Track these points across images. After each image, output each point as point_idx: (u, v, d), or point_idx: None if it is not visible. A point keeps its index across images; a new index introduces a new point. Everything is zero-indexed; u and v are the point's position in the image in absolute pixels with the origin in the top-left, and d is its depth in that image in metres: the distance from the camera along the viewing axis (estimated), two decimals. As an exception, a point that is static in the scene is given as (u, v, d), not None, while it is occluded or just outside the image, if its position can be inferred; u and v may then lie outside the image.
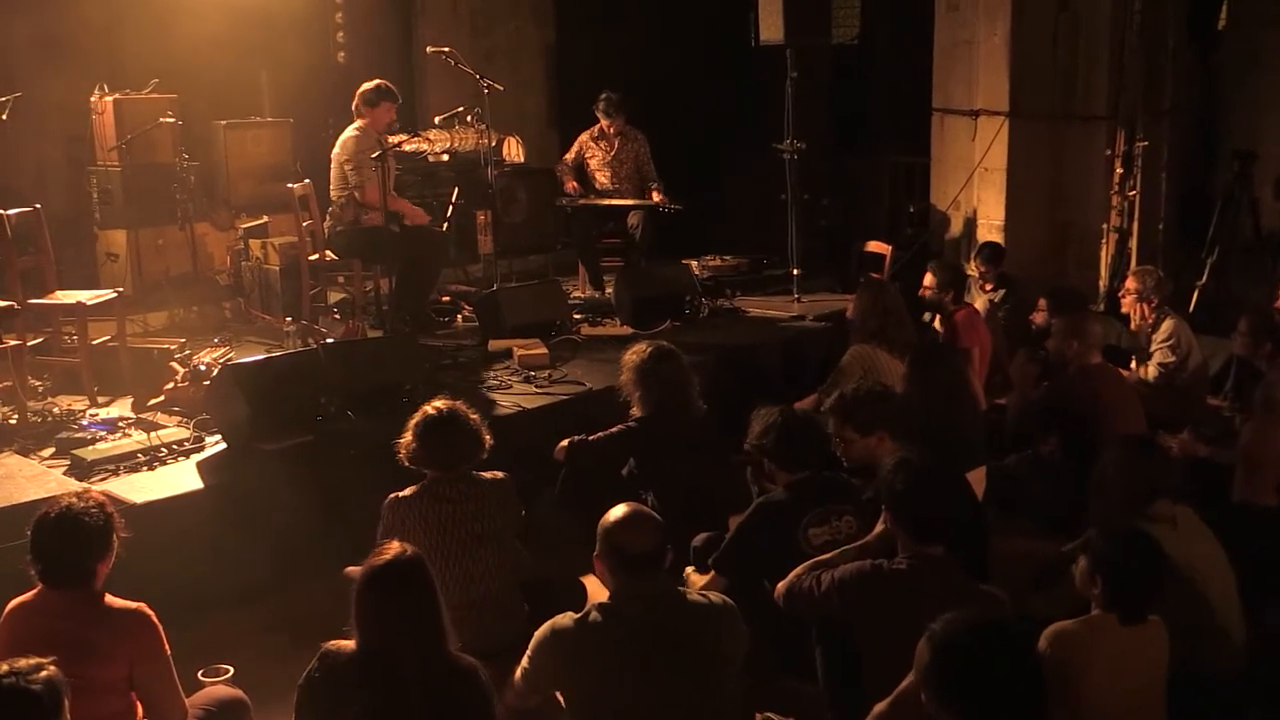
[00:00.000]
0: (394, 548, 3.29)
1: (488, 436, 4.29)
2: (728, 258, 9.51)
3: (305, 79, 9.21)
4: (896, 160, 10.50)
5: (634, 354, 5.18)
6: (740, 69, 10.43)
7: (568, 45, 11.10)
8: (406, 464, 4.24)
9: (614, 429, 5.15)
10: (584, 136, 8.90)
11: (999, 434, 6.09)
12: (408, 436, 4.24)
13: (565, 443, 5.21)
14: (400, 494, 4.22)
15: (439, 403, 4.28)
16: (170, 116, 7.88)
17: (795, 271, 8.44)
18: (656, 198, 8.46)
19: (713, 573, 4.30)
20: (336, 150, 7.39)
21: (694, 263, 9.01)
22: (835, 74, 10.93)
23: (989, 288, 8.02)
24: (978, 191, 9.29)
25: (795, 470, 4.34)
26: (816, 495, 4.27)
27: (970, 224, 9.37)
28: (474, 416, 4.28)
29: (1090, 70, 8.94)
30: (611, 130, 8.74)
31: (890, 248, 8.77)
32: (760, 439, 4.39)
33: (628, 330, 7.43)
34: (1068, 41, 8.96)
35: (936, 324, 7.23)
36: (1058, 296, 7.20)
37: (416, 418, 4.25)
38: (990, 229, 9.17)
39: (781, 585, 3.90)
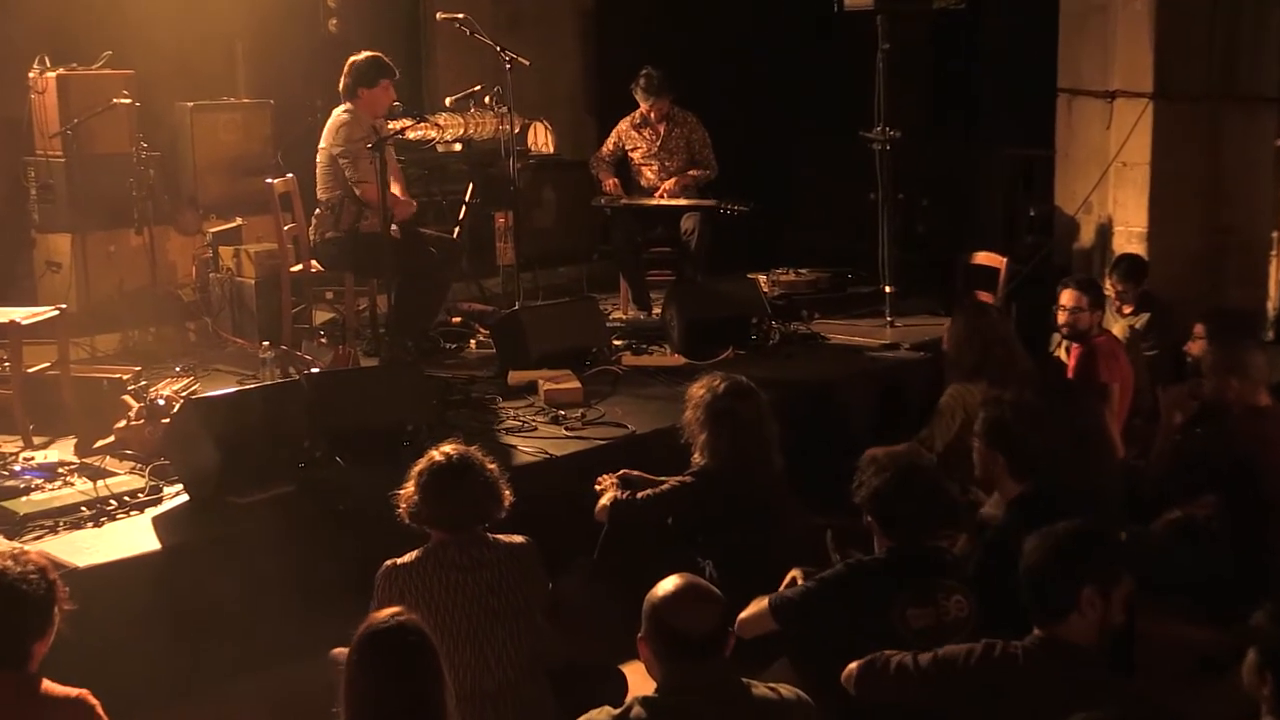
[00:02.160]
0: (391, 613, 3.29)
1: (507, 491, 4.28)
2: (803, 271, 9.49)
3: (289, 51, 9.30)
4: (1012, 152, 10.44)
5: (704, 388, 5.16)
6: (820, 40, 10.42)
7: (609, 11, 11.15)
8: (407, 521, 4.24)
9: (668, 483, 5.13)
10: (623, 124, 8.93)
11: (1142, 491, 6.02)
12: (409, 488, 4.25)
13: (606, 499, 5.20)
14: (399, 560, 4.21)
15: (448, 448, 4.28)
16: (125, 96, 7.97)
17: (887, 289, 8.41)
18: (664, 186, 8.45)
19: (765, 607, 4.28)
20: (324, 140, 7.43)
21: (762, 277, 9.00)
22: (937, 47, 10.90)
23: (1128, 310, 7.94)
24: (1114, 191, 9.22)
25: (901, 535, 4.31)
26: (922, 567, 4.24)
27: (1104, 231, 9.30)
28: (491, 465, 4.28)
29: (1257, 41, 8.87)
30: (655, 114, 8.77)
31: (1004, 260, 8.70)
32: (868, 491, 4.36)
33: (680, 360, 7.42)
34: (1228, 6, 8.90)
35: (1062, 354, 7.16)
36: (1216, 321, 7.13)
37: (420, 465, 4.26)
38: (1130, 237, 9.09)
39: (856, 666, 3.87)
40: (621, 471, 5.30)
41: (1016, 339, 6.30)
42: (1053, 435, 4.97)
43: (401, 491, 4.26)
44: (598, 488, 5.26)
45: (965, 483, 5.27)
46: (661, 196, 8.58)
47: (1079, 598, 3.64)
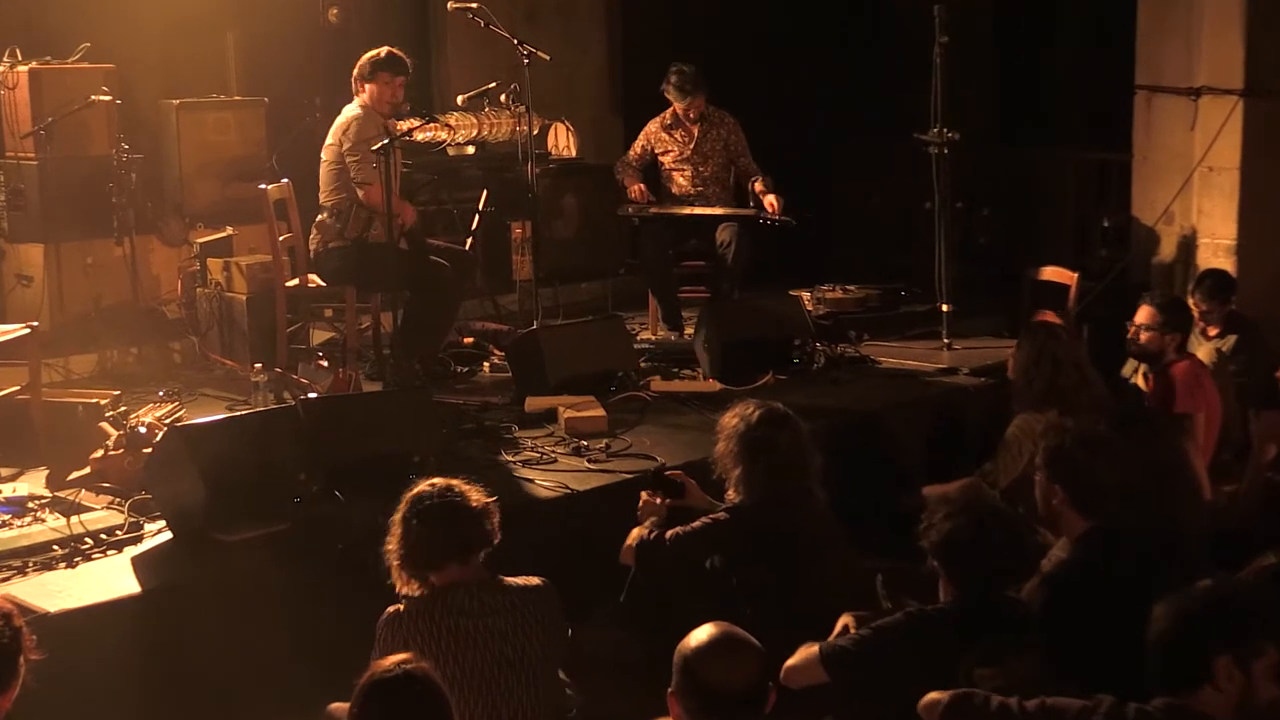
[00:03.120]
0: (397, 661, 3.29)
1: (494, 513, 4.27)
2: (851, 288, 9.46)
3: (285, 44, 9.34)
4: (1085, 156, 10.43)
5: (736, 417, 5.15)
6: (869, 32, 10.43)
7: (641, 3, 11.18)
8: (400, 586, 4.24)
9: (702, 520, 5.12)
10: (652, 126, 8.95)
11: (1230, 533, 5.98)
12: (394, 532, 4.27)
13: (634, 539, 5.19)
14: (403, 606, 4.21)
15: (432, 483, 4.31)
16: (105, 93, 8.00)
17: (945, 307, 8.39)
18: (768, 201, 8.43)
19: (814, 656, 4.26)
20: (332, 137, 7.48)
21: (805, 295, 8.98)
22: (1001, 39, 10.91)
23: (1214, 332, 7.90)
24: (1198, 199, 9.19)
25: (972, 586, 4.28)
26: (992, 621, 4.21)
27: (1188, 244, 9.27)
28: (474, 495, 4.27)
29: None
30: (688, 114, 8.79)
31: (1075, 275, 8.68)
32: (938, 536, 4.33)
33: (714, 386, 7.41)
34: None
35: (1140, 379, 7.12)
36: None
37: (401, 510, 4.27)
38: (1216, 251, 9.06)
39: (947, 696, 3.81)
40: (678, 471, 5.27)
41: (1089, 363, 6.27)
42: (1123, 468, 4.93)
43: (387, 549, 4.27)
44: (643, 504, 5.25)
45: (1032, 522, 5.24)
46: (774, 212, 8.46)
47: (1214, 668, 3.58)
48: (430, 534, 4.22)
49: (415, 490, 4.30)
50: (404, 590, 4.24)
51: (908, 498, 5.85)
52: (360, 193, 7.35)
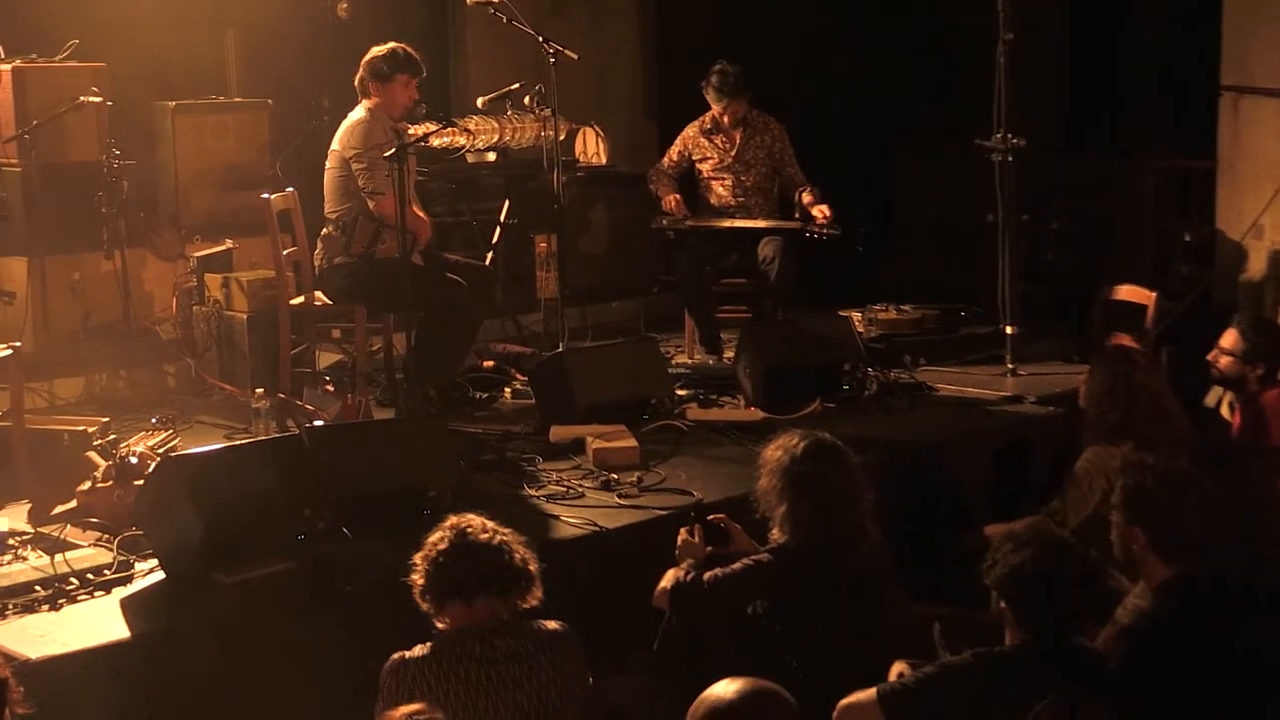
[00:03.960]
0: (408, 712, 3.29)
1: (532, 562, 4.29)
2: (906, 308, 9.45)
3: (290, 42, 9.39)
4: (1164, 164, 10.38)
5: (780, 448, 5.14)
6: (926, 29, 10.43)
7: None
8: (425, 608, 4.26)
9: (743, 561, 5.12)
10: (690, 130, 8.96)
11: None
12: (420, 565, 4.29)
13: (668, 582, 5.18)
14: (409, 653, 4.22)
15: (463, 519, 4.31)
16: (95, 94, 8.05)
17: (1009, 329, 8.36)
18: (818, 210, 8.43)
19: (872, 698, 4.25)
20: (338, 144, 7.52)
21: (856, 315, 8.97)
22: (1072, 37, 10.88)
23: (1307, 358, 7.87)
24: (1290, 212, 9.16)
25: (1041, 628, 4.27)
26: (1064, 669, 4.20)
27: (1278, 260, 9.23)
28: (505, 535, 4.29)
29: None
30: (729, 118, 8.79)
31: (1154, 295, 8.65)
32: (1004, 571, 4.32)
33: (756, 415, 7.40)
34: None
35: (1226, 409, 7.09)
36: None
37: (434, 538, 4.29)
38: (1310, 267, 9.03)
39: None
40: (722, 515, 5.28)
41: (1168, 392, 6.23)
42: (1211, 508, 4.91)
43: (413, 571, 4.30)
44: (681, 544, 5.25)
45: (1105, 565, 5.22)
46: (824, 221, 8.43)
47: None
48: (441, 570, 4.24)
49: (455, 522, 4.31)
50: (439, 623, 4.27)
51: (968, 537, 5.86)
52: (371, 204, 7.37)
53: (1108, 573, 5.27)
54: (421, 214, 7.64)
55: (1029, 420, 7.63)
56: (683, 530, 5.33)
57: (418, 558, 4.31)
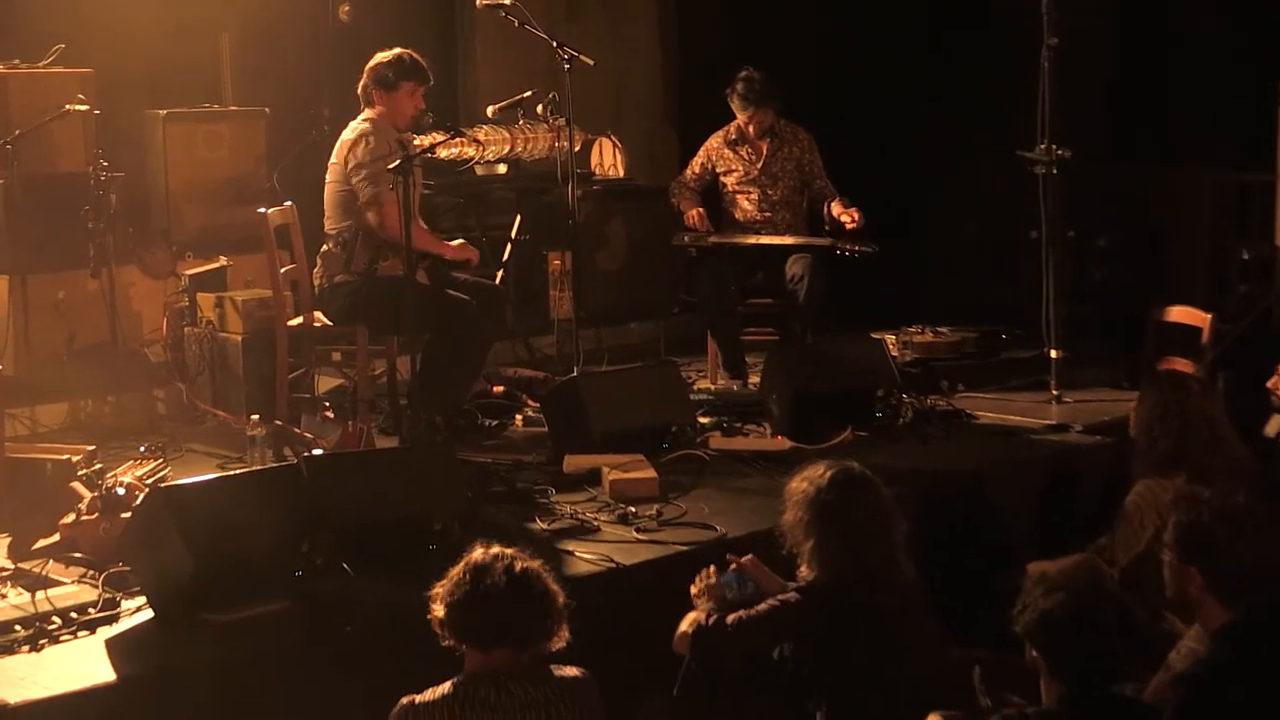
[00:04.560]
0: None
1: (560, 597, 4.28)
2: (944, 330, 9.45)
3: (288, 46, 9.41)
4: (1219, 177, 10.36)
5: (805, 480, 5.14)
6: (965, 33, 10.42)
7: (699, -2, 11.24)
8: (446, 643, 4.26)
9: (769, 602, 5.11)
10: (714, 141, 8.97)
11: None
12: (442, 599, 4.27)
13: (688, 625, 5.17)
14: (420, 697, 4.22)
15: (497, 550, 4.30)
16: (81, 102, 8.07)
17: (1054, 353, 8.35)
18: (848, 215, 8.42)
19: None
20: (337, 156, 7.53)
21: (890, 338, 8.97)
22: (1121, 41, 10.87)
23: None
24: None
25: (1076, 678, 4.25)
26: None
27: (1342, 280, 9.21)
28: (530, 576, 4.28)
29: None
30: (755, 128, 8.80)
31: (1209, 317, 8.62)
32: (1033, 617, 4.30)
33: (784, 444, 7.39)
34: None
35: (1286, 440, 7.08)
36: None
37: (455, 574, 4.27)
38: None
39: None
40: (748, 557, 5.27)
41: (1225, 420, 6.21)
42: (1272, 546, 4.89)
43: (436, 598, 4.28)
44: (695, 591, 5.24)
45: (1157, 607, 5.21)
46: (855, 226, 8.43)
47: None
48: (457, 615, 4.23)
49: (485, 553, 4.29)
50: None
51: (1010, 575, 5.81)
52: (370, 217, 7.37)
53: (1161, 616, 5.26)
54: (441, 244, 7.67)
55: (1075, 450, 7.61)
56: (704, 570, 5.32)
57: (438, 590, 4.29)
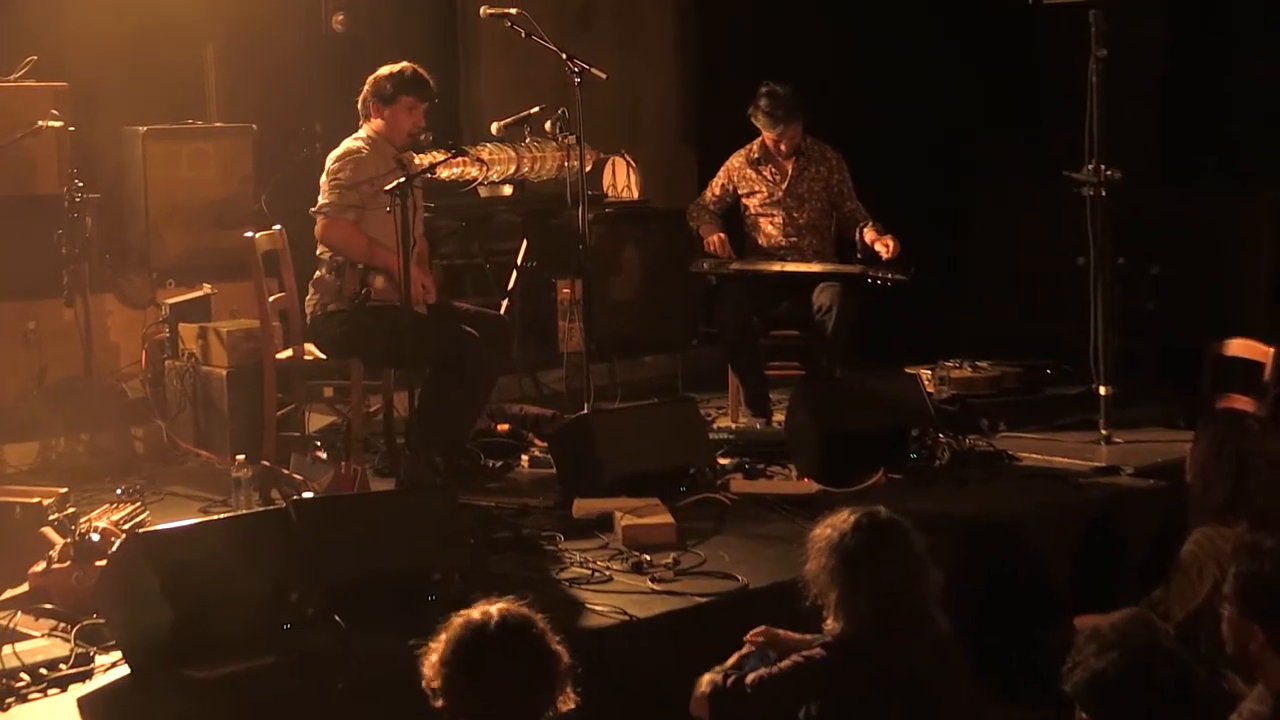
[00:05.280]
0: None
1: (564, 659, 4.27)
2: (983, 364, 9.45)
3: (277, 58, 9.43)
4: (1282, 199, 10.37)
5: (830, 527, 5.13)
6: (1005, 45, 10.44)
7: (719, 6, 11.24)
8: (437, 706, 4.23)
9: (792, 659, 5.10)
10: (735, 160, 8.98)
11: None
12: (432, 660, 4.25)
13: (707, 683, 5.16)
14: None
15: (496, 607, 4.28)
16: (55, 117, 8.09)
17: (1102, 390, 8.34)
18: (882, 243, 8.42)
19: None
20: (327, 175, 7.54)
21: (926, 372, 8.97)
22: (1175, 53, 10.87)
23: None
24: None
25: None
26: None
27: None
28: (555, 642, 4.27)
29: None
30: (782, 146, 8.81)
31: (1271, 351, 8.60)
32: (1085, 676, 4.29)
33: (811, 487, 7.38)
34: None
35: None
36: None
37: (452, 632, 4.25)
38: None
39: None
40: (757, 630, 5.26)
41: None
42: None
43: (425, 663, 4.26)
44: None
45: (1217, 665, 5.19)
46: (890, 257, 8.40)
47: None
48: (451, 685, 4.20)
49: (486, 613, 4.26)
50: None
51: (1055, 631, 5.82)
52: (317, 227, 7.40)
53: (1221, 675, 5.24)
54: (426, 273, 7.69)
55: (1126, 495, 7.59)
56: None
57: (429, 651, 4.27)
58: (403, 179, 7.05)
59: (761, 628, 5.27)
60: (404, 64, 7.62)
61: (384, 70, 7.60)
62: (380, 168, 7.39)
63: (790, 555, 5.77)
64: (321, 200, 7.44)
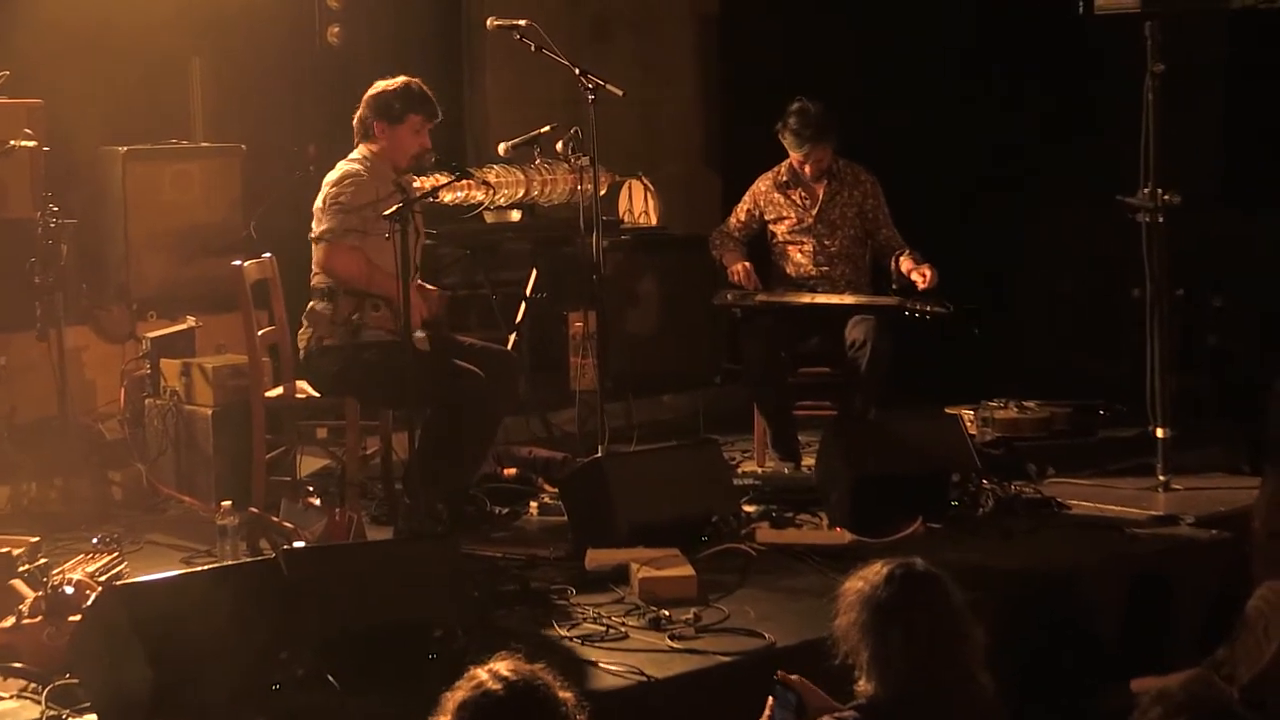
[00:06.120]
0: None
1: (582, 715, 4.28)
2: (1031, 405, 9.44)
3: (268, 73, 9.46)
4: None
5: (862, 580, 5.13)
6: (1053, 61, 10.45)
7: (744, 17, 11.27)
8: None
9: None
10: (762, 184, 9.00)
11: None
12: None
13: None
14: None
15: (502, 667, 4.28)
16: (29, 137, 8.11)
17: (1160, 432, 8.33)
18: (919, 273, 8.44)
19: None
20: (324, 200, 7.54)
21: (968, 414, 8.96)
22: (1235, 69, 10.88)
23: None
24: None
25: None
26: None
27: None
28: (565, 696, 4.27)
29: None
30: (811, 169, 8.82)
31: (1345, 390, 8.63)
32: None
33: (844, 537, 7.38)
34: None
35: None
36: None
37: (460, 694, 4.26)
38: None
39: None
40: (796, 677, 5.26)
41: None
42: None
43: None
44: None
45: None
46: (928, 287, 8.42)
47: None
48: None
49: (493, 673, 4.26)
50: None
51: (1109, 693, 5.82)
52: (315, 252, 7.40)
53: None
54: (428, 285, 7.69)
55: (1185, 546, 7.58)
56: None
57: None
58: (404, 202, 7.06)
59: (796, 676, 5.27)
60: (406, 79, 7.62)
61: (386, 86, 7.59)
62: (380, 191, 7.41)
63: (820, 611, 5.76)
64: (323, 226, 7.44)
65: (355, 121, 7.64)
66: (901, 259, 8.61)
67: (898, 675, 5.02)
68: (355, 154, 7.61)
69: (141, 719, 5.29)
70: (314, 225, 7.52)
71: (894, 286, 8.64)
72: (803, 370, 8.80)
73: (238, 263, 7.61)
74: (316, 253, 7.46)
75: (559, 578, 6.91)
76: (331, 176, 7.55)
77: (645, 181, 9.76)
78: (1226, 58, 10.75)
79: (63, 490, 7.98)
